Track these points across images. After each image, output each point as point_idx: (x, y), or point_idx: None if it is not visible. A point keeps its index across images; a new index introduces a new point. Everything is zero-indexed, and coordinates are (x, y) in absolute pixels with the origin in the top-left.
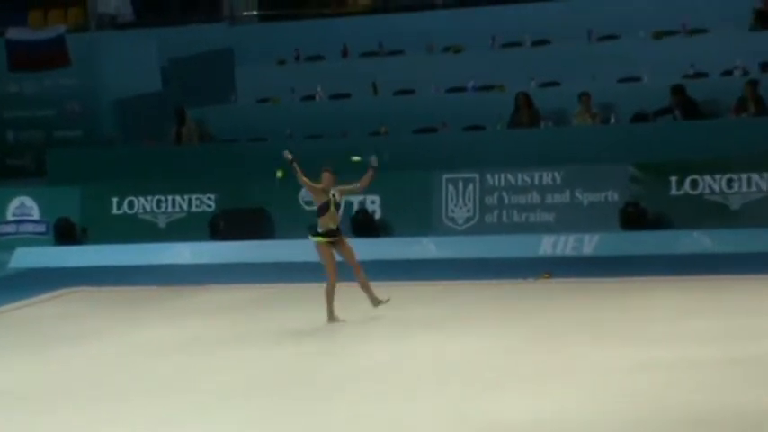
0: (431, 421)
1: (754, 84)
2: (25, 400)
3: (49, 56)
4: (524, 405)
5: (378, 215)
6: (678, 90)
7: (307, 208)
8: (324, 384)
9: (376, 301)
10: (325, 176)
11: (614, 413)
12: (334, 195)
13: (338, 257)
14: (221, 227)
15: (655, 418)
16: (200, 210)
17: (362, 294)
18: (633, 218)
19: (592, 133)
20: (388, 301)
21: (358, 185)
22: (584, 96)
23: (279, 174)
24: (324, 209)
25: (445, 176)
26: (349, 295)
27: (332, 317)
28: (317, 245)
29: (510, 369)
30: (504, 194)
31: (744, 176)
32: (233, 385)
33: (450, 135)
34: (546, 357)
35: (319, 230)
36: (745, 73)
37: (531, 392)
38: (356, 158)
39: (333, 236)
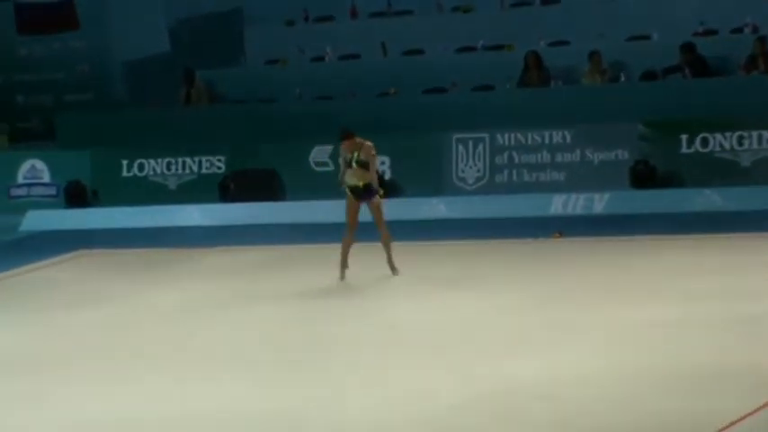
0: (445, 381)
1: (763, 41)
2: (25, 366)
3: (58, 18)
4: (539, 363)
5: (387, 176)
6: (688, 48)
7: (317, 169)
8: (334, 346)
9: (393, 267)
10: (343, 146)
11: (628, 367)
12: (356, 153)
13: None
14: (231, 188)
15: (669, 370)
16: (209, 171)
17: (380, 258)
18: (643, 176)
19: (601, 92)
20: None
21: (375, 174)
22: (594, 55)
23: None
24: (347, 165)
25: (455, 136)
26: (367, 254)
27: (342, 273)
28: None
29: (523, 328)
30: (514, 154)
31: (754, 134)
32: (243, 346)
33: (460, 95)
34: (558, 316)
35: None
36: (755, 30)
37: (544, 351)
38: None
39: (356, 193)
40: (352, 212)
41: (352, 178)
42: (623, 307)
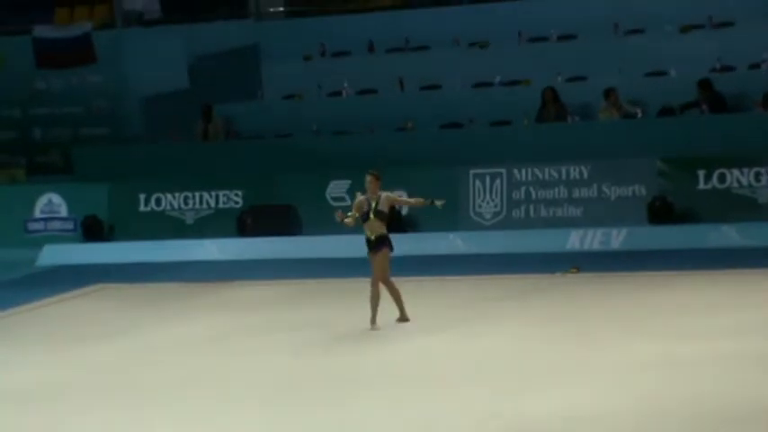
0: (462, 419)
1: None
2: (49, 399)
3: (76, 53)
4: (554, 400)
5: (404, 211)
6: (705, 84)
7: (334, 204)
8: (352, 382)
9: (373, 322)
10: (368, 180)
11: (646, 406)
12: (377, 202)
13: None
14: (249, 223)
15: (686, 412)
16: (227, 206)
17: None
18: (661, 212)
19: (619, 127)
20: (376, 329)
21: (411, 200)
22: (610, 92)
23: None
24: (364, 218)
25: (472, 171)
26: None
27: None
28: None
29: (539, 365)
30: (532, 189)
31: None
32: (259, 383)
33: (477, 130)
34: (575, 353)
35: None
36: None
37: (561, 388)
38: (439, 203)
39: (369, 247)
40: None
41: (367, 231)
42: (640, 343)
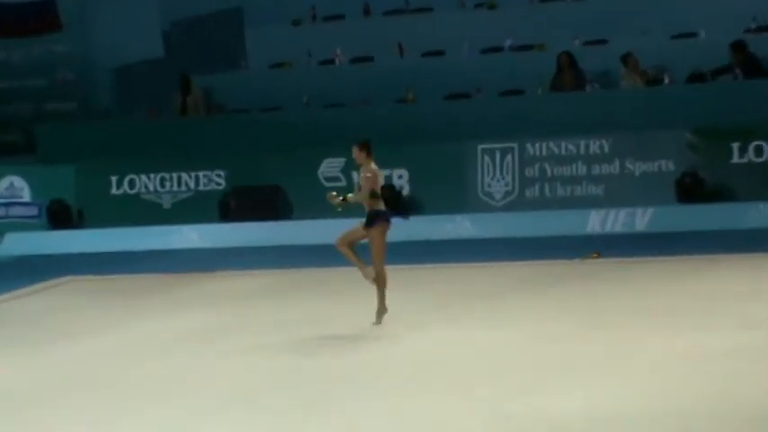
0: (472, 421)
1: None
2: (10, 402)
3: (39, 20)
4: (574, 400)
5: (406, 191)
6: (739, 46)
7: (327, 185)
8: (348, 381)
9: (380, 311)
10: (353, 151)
11: (674, 405)
12: (360, 176)
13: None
14: (232, 207)
15: (721, 410)
16: (208, 188)
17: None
18: (691, 189)
19: (643, 96)
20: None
21: (358, 195)
22: (628, 57)
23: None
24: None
25: (480, 147)
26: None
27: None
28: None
29: (556, 360)
30: (547, 166)
31: None
32: (243, 387)
33: (486, 101)
34: (595, 346)
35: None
36: None
37: (580, 386)
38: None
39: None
40: (355, 235)
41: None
42: (669, 335)
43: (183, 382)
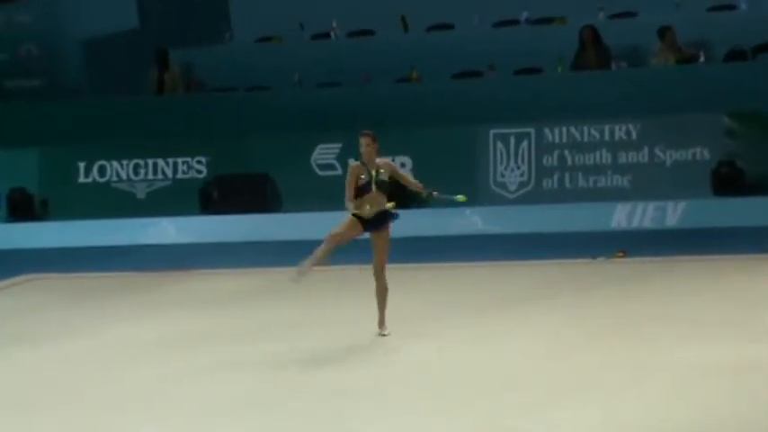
0: None
1: None
2: None
3: None
4: (593, 414)
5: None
6: None
7: (320, 173)
8: (345, 393)
9: (382, 325)
10: (363, 144)
11: (704, 421)
12: (377, 171)
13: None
14: (214, 197)
15: (750, 428)
16: (187, 176)
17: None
18: (728, 180)
19: (676, 76)
20: (386, 334)
21: (411, 181)
22: (666, 32)
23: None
24: (363, 190)
25: (493, 132)
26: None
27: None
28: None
29: (574, 370)
30: (567, 153)
31: None
32: (232, 393)
33: (499, 80)
34: (618, 355)
35: (353, 211)
36: None
37: (600, 399)
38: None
39: (369, 224)
40: (346, 231)
41: (366, 204)
42: (700, 344)
43: (154, 396)
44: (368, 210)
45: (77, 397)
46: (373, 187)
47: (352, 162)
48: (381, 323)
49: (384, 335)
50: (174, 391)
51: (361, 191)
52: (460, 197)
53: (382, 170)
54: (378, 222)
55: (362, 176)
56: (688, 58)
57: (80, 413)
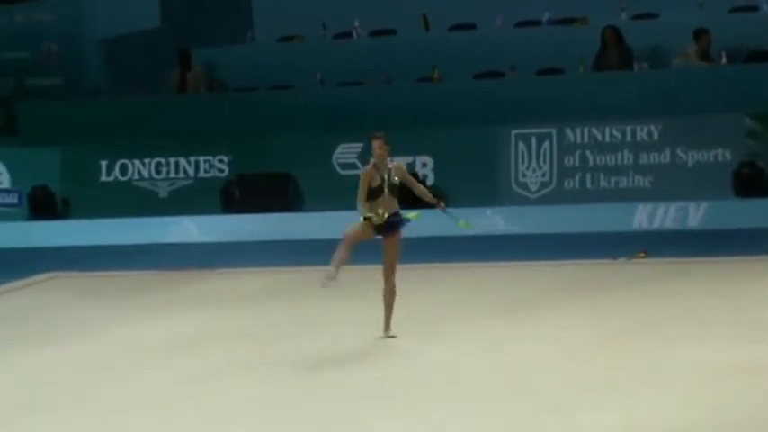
0: None
1: None
2: (5, 409)
3: None
4: (612, 417)
5: (430, 181)
6: None
7: (342, 173)
8: (362, 395)
9: (388, 328)
10: (376, 146)
11: (725, 424)
12: (389, 175)
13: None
14: (236, 196)
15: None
16: (209, 175)
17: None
18: (750, 181)
19: (697, 77)
20: (392, 336)
21: (422, 190)
22: (702, 34)
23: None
24: (376, 193)
25: (514, 132)
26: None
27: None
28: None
29: (593, 372)
30: (588, 154)
31: None
32: (251, 393)
33: (520, 80)
34: (638, 356)
35: (365, 215)
36: None
37: (619, 401)
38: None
39: (381, 228)
40: (357, 235)
41: (378, 208)
42: (718, 345)
43: (172, 396)
44: (380, 213)
45: (94, 396)
46: (386, 191)
47: (366, 168)
48: (387, 326)
49: (391, 336)
50: (190, 391)
51: (374, 194)
52: (463, 223)
53: (394, 173)
54: (389, 227)
55: (375, 180)
56: (708, 59)
57: (96, 413)
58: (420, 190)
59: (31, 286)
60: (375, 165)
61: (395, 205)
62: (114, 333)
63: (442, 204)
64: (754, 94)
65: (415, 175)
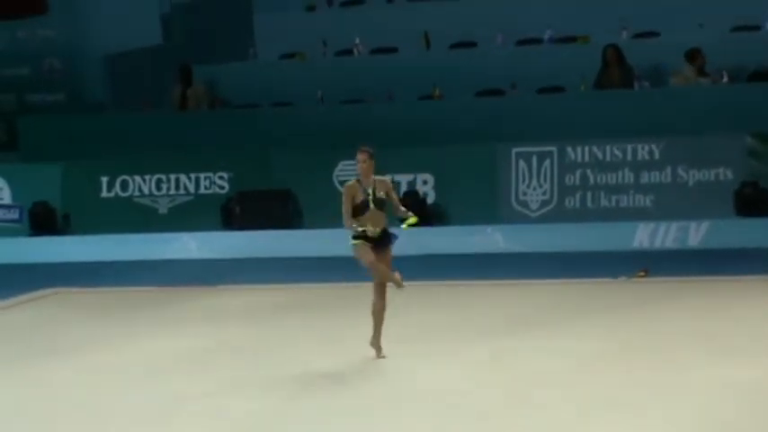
0: None
1: None
2: (8, 424)
3: (22, 1)
4: None
5: (431, 198)
6: None
7: (342, 190)
8: (366, 415)
9: (376, 344)
10: (361, 160)
11: None
12: (374, 190)
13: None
14: (236, 213)
15: None
16: (210, 192)
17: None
18: (751, 201)
19: (699, 96)
20: (381, 356)
21: (399, 207)
22: (696, 54)
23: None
24: (361, 209)
25: (515, 150)
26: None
27: (376, 341)
28: (354, 247)
29: (597, 390)
30: (589, 172)
31: None
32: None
33: (521, 99)
34: (642, 375)
35: (357, 231)
36: None
37: (625, 419)
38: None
39: (372, 241)
40: (374, 260)
41: (368, 224)
42: (721, 364)
43: (171, 414)
44: (371, 229)
45: (96, 412)
46: (371, 206)
47: (352, 182)
48: (377, 344)
49: (380, 357)
50: (191, 407)
51: (359, 210)
52: (406, 226)
53: (379, 189)
54: (380, 242)
55: (359, 195)
56: (711, 79)
57: (100, 427)
58: (397, 207)
59: (32, 302)
60: (358, 180)
61: (383, 220)
62: (115, 348)
63: (409, 224)
64: (755, 114)
65: (415, 193)
